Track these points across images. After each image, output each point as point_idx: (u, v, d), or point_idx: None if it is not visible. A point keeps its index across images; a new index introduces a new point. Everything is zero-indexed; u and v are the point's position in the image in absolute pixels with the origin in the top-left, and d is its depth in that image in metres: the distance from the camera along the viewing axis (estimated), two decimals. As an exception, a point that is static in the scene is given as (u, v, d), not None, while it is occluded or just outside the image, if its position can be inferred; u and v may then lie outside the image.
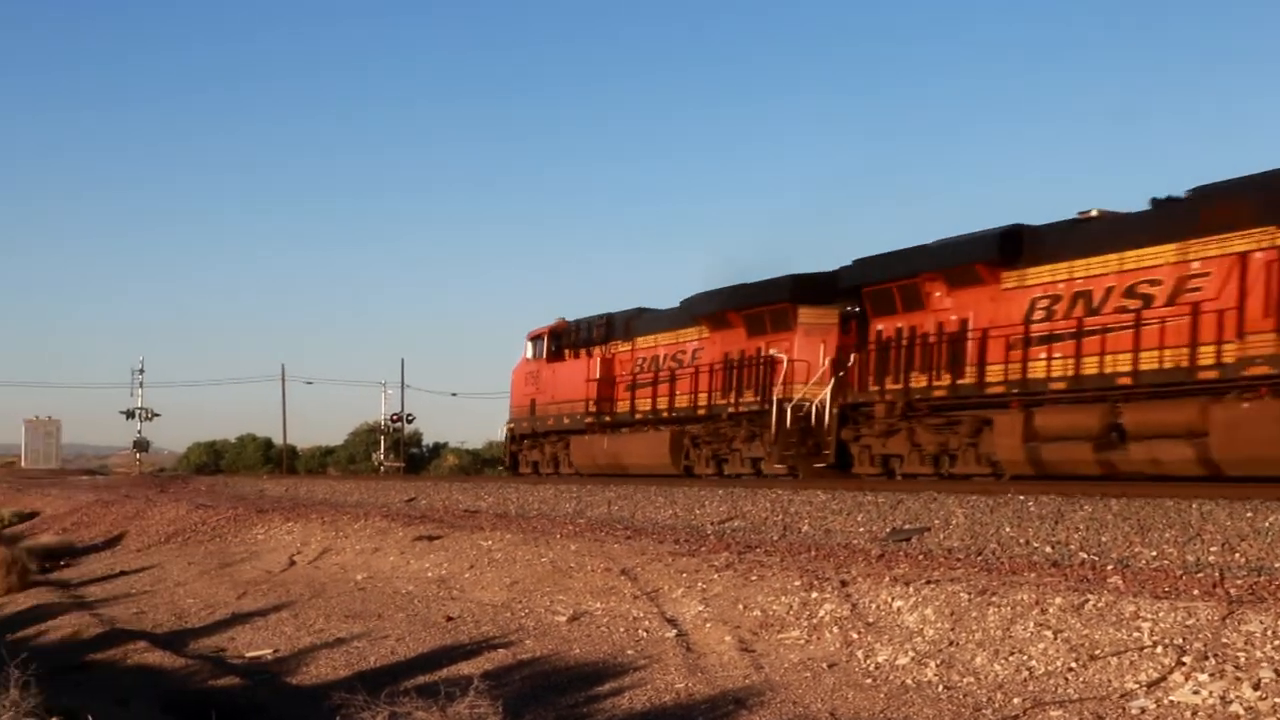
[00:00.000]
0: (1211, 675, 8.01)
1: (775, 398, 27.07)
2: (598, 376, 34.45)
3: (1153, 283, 19.91)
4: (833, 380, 26.11)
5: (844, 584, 11.61)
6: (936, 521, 15.95)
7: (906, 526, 16.04)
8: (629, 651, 11.34)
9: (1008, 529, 14.76)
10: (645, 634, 11.93)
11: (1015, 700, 8.45)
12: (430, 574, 16.96)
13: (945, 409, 23.43)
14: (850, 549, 14.71)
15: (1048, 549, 13.51)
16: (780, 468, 27.38)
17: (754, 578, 12.62)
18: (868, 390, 25.04)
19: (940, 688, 9.03)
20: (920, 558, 13.41)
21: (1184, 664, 8.22)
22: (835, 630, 10.71)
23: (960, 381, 22.88)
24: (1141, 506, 14.90)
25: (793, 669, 10.03)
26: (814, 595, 11.52)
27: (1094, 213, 22.15)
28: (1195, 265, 19.28)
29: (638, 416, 33.06)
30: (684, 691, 9.75)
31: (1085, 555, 12.96)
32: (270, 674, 12.47)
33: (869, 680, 9.47)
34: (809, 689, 9.38)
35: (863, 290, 25.75)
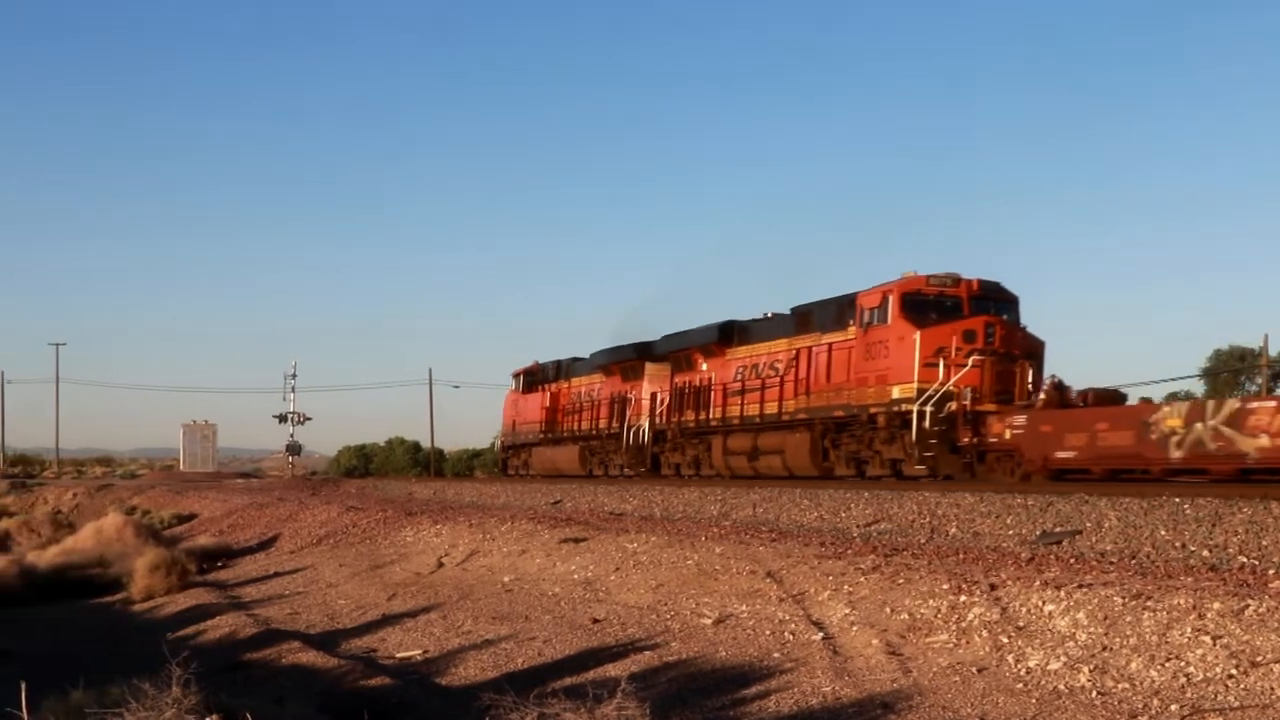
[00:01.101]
0: (1381, 683, 7.74)
1: (627, 425, 39.56)
2: (548, 406, 46.92)
3: (778, 361, 32.39)
4: (649, 415, 38.90)
5: (993, 587, 11.44)
6: (1088, 524, 15.63)
7: (1057, 529, 15.75)
8: (775, 654, 11.31)
9: (1163, 532, 14.41)
10: (791, 637, 11.88)
11: (1172, 707, 8.25)
12: (576, 576, 17.07)
13: (697, 434, 36.32)
14: (999, 552, 14.49)
15: (1205, 553, 13.15)
16: (630, 471, 39.60)
17: (901, 580, 12.50)
18: (665, 422, 38.05)
19: (1093, 693, 8.85)
20: (1072, 561, 13.16)
21: (1351, 672, 7.96)
22: (984, 634, 10.56)
23: (702, 417, 35.93)
24: (1305, 509, 14.45)
25: (941, 673, 9.91)
26: (962, 599, 11.37)
27: (769, 314, 34.48)
28: (794, 352, 31.64)
29: (565, 435, 45.45)
30: (831, 695, 9.70)
31: (1245, 559, 12.60)
32: (420, 674, 12.67)
33: (1019, 685, 9.32)
34: (958, 693, 9.27)
35: (669, 355, 38.64)
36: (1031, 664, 9.72)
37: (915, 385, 26.65)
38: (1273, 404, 20.73)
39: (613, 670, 11.36)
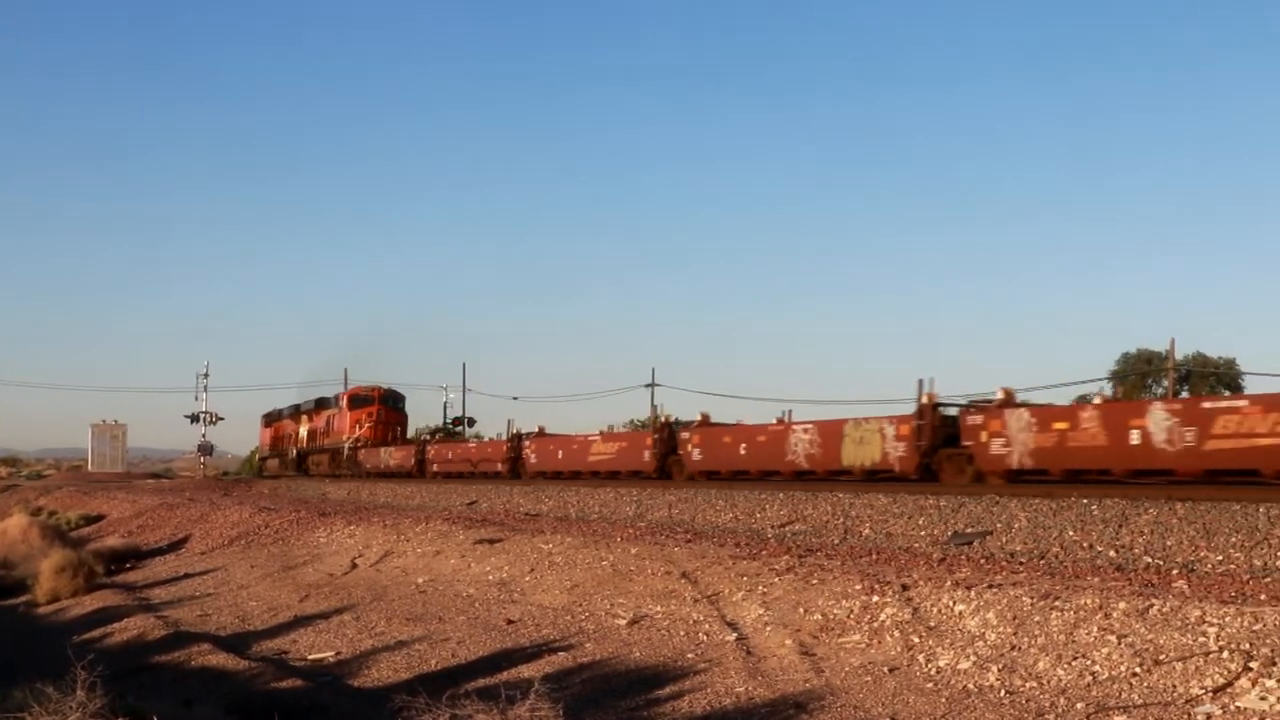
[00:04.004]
0: (1279, 681, 7.91)
1: (291, 447, 68.49)
2: (273, 435, 74.20)
3: (327, 419, 63.46)
4: (298, 443, 67.39)
5: (905, 588, 11.55)
6: (998, 525, 15.84)
7: (968, 530, 15.94)
8: (689, 655, 11.34)
9: (1070, 533, 14.64)
10: (705, 637, 11.92)
11: (1078, 705, 8.37)
12: (491, 577, 17.02)
13: (307, 454, 65.14)
14: (911, 553, 14.65)
15: (1111, 553, 13.38)
16: (291, 473, 65.56)
17: (815, 581, 12.58)
18: (301, 447, 66.28)
19: (1002, 692, 8.96)
20: (982, 561, 13.33)
21: (1251, 670, 8.12)
22: (896, 634, 10.66)
23: (311, 445, 65.08)
24: (1207, 510, 14.73)
25: (853, 673, 9.99)
26: (875, 599, 11.48)
27: (336, 395, 64.97)
28: (327, 417, 63.68)
29: (278, 453, 72.10)
30: (744, 695, 9.74)
31: (1150, 559, 12.83)
32: (332, 676, 12.56)
33: (930, 684, 9.42)
34: (870, 693, 9.34)
35: (307, 411, 66.91)
36: (942, 664, 9.83)
37: (348, 436, 58.10)
38: (396, 448, 53.81)
39: (527, 671, 11.33)
